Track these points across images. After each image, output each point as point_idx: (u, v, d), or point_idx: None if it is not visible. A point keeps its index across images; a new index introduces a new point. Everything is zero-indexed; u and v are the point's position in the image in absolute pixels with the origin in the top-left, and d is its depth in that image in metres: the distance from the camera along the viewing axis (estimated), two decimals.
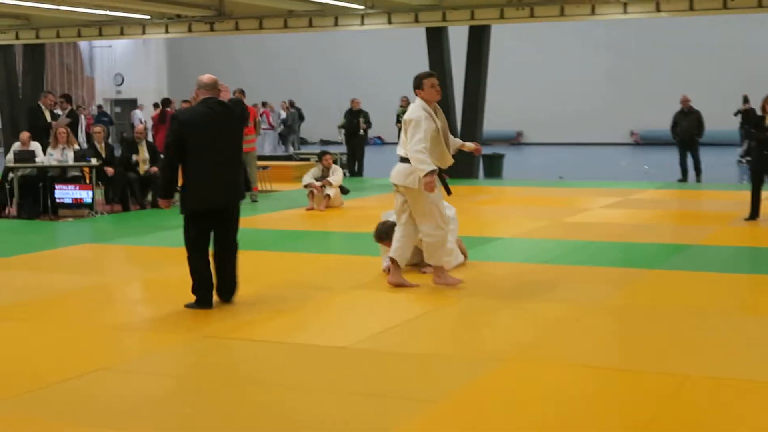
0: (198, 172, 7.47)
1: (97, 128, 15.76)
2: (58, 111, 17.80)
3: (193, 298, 7.58)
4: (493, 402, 5.19)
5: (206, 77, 7.72)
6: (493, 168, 21.31)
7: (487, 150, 22.91)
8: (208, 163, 7.48)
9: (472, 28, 20.68)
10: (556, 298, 7.83)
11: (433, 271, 8.36)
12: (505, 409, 5.08)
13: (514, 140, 36.54)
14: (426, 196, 7.96)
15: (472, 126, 20.69)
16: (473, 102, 20.78)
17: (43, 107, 17.16)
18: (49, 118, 16.96)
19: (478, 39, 20.67)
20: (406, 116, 8.10)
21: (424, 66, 21.18)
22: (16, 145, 15.25)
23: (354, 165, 21.69)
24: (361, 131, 21.61)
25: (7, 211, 14.70)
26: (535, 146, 35.21)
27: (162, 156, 8.82)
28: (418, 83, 8.14)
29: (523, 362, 5.96)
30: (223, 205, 7.64)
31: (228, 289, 7.74)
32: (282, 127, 31.90)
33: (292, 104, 32.34)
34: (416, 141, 7.85)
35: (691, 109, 19.55)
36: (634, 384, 5.50)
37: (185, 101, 16.87)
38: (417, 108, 8.03)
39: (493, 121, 25.77)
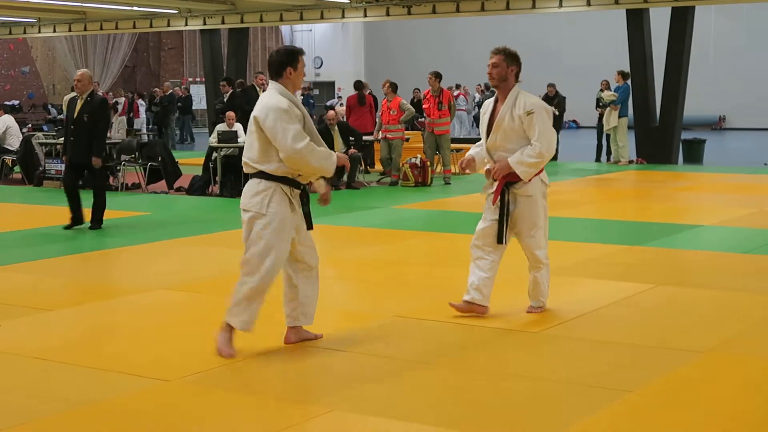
0: None
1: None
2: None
3: None
4: (692, 395, 4.99)
5: None
6: (693, 153, 20.58)
7: (687, 135, 22.18)
8: None
9: (675, 9, 19.99)
10: (760, 290, 7.47)
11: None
12: (705, 402, 4.87)
13: (716, 125, 35.17)
14: None
15: (672, 110, 20.01)
16: (674, 85, 20.06)
17: (257, 87, 17.67)
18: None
19: (682, 20, 19.94)
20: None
21: (624, 48, 20.69)
22: (221, 126, 15.79)
23: None
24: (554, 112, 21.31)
25: (210, 189, 15.28)
26: (740, 131, 33.77)
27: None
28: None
29: (725, 355, 5.71)
30: None
31: None
32: (476, 109, 31.85)
33: (487, 87, 32.17)
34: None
35: None
36: None
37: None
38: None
39: (694, 105, 24.87)
